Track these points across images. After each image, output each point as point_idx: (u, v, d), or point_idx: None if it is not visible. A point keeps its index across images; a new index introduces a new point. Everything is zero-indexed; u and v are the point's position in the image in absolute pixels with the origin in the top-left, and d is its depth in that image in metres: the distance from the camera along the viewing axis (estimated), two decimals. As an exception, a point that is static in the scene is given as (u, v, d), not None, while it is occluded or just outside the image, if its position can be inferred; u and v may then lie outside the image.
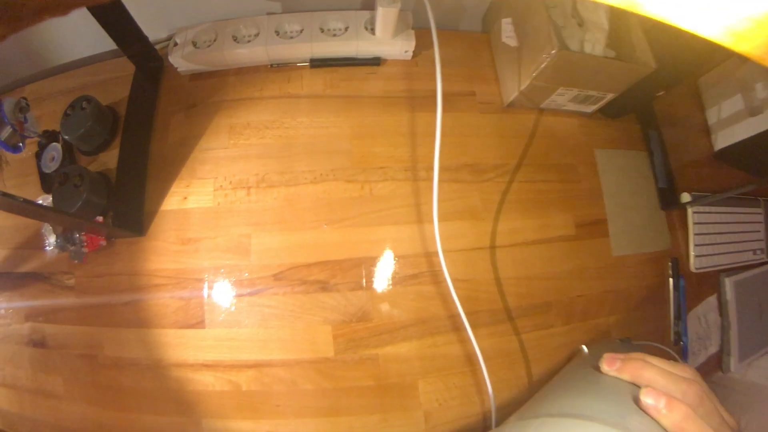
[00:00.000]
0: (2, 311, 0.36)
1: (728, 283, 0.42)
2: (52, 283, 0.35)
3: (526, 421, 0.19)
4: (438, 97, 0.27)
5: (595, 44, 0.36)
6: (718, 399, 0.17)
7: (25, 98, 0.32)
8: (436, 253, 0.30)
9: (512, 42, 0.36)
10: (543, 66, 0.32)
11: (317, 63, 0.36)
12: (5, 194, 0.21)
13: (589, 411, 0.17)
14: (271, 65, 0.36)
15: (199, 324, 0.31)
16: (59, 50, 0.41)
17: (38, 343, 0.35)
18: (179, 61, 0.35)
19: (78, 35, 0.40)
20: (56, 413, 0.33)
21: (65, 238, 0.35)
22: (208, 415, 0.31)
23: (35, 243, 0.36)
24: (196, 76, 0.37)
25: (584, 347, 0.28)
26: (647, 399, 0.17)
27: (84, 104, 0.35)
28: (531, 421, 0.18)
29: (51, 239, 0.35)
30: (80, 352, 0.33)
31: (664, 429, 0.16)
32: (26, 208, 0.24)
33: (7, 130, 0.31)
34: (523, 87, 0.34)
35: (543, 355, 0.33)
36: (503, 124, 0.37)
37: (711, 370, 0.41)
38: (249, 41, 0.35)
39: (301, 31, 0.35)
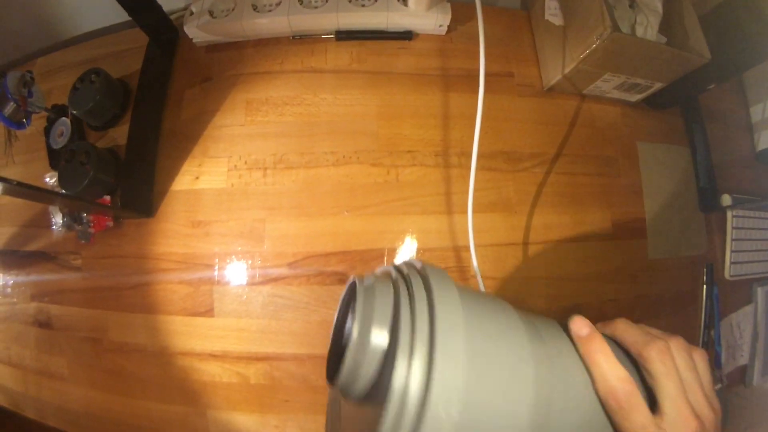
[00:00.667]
0: (8, 290, 0.35)
1: (761, 293, 0.40)
2: (59, 263, 0.34)
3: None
4: (481, 76, 0.24)
5: (647, 28, 0.33)
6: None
7: (30, 72, 0.30)
8: (466, 247, 0.28)
9: (557, 20, 0.33)
10: (592, 48, 0.29)
11: (343, 35, 0.33)
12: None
13: (531, 317, 0.16)
14: (293, 37, 0.34)
15: (208, 312, 0.30)
16: (71, 22, 0.39)
17: (44, 323, 0.34)
18: (195, 31, 0.33)
19: (90, 6, 0.38)
20: (60, 395, 0.33)
21: (72, 218, 0.33)
22: (214, 407, 0.30)
23: (42, 221, 0.35)
24: (213, 48, 0.35)
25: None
26: (572, 325, 0.16)
27: (93, 77, 0.33)
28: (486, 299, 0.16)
29: (57, 218, 0.34)
30: (85, 334, 0.32)
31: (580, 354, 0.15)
32: (22, 191, 0.22)
33: (11, 106, 0.30)
34: (567, 70, 0.31)
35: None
36: (542, 110, 0.34)
37: (735, 382, 0.38)
38: (270, 10, 0.32)
39: (327, 0, 0.32)
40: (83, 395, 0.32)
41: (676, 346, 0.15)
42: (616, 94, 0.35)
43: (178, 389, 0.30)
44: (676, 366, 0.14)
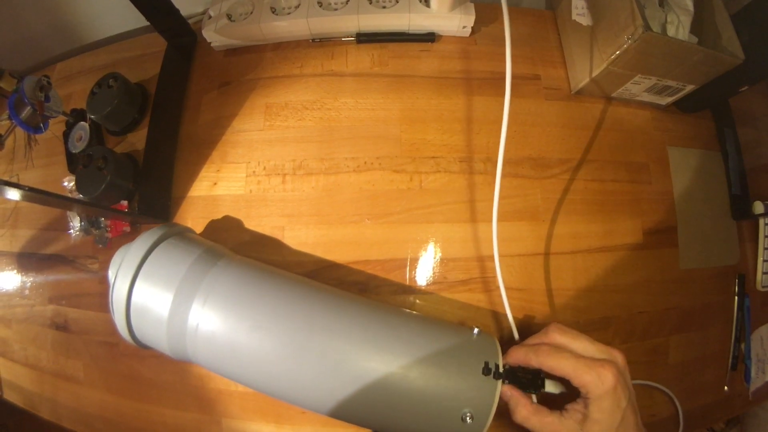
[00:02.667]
0: (26, 292, 0.36)
1: (797, 306, 0.38)
2: (76, 267, 0.34)
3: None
4: (507, 78, 0.23)
5: (678, 27, 0.31)
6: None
7: (47, 76, 0.30)
8: (491, 257, 0.27)
9: (584, 20, 0.32)
10: (623, 49, 0.27)
11: (364, 38, 0.32)
12: (7, 182, 0.19)
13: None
14: (313, 40, 0.33)
15: (225, 319, 0.29)
16: (90, 27, 0.40)
17: (60, 326, 0.34)
18: (213, 35, 0.33)
19: (109, 11, 0.38)
20: (76, 397, 0.33)
21: (89, 222, 0.33)
22: (229, 416, 0.29)
23: (60, 225, 0.35)
24: (231, 52, 0.34)
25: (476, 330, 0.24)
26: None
27: (111, 82, 0.33)
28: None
29: (75, 222, 0.34)
30: (101, 338, 0.32)
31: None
32: (35, 196, 0.22)
33: (28, 110, 0.30)
34: (596, 73, 0.30)
35: (594, 375, 0.30)
36: (570, 114, 0.33)
37: (763, 398, 0.36)
38: (289, 13, 0.32)
39: (347, 2, 0.32)
40: (98, 399, 0.32)
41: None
42: (647, 97, 0.34)
43: (193, 397, 0.30)
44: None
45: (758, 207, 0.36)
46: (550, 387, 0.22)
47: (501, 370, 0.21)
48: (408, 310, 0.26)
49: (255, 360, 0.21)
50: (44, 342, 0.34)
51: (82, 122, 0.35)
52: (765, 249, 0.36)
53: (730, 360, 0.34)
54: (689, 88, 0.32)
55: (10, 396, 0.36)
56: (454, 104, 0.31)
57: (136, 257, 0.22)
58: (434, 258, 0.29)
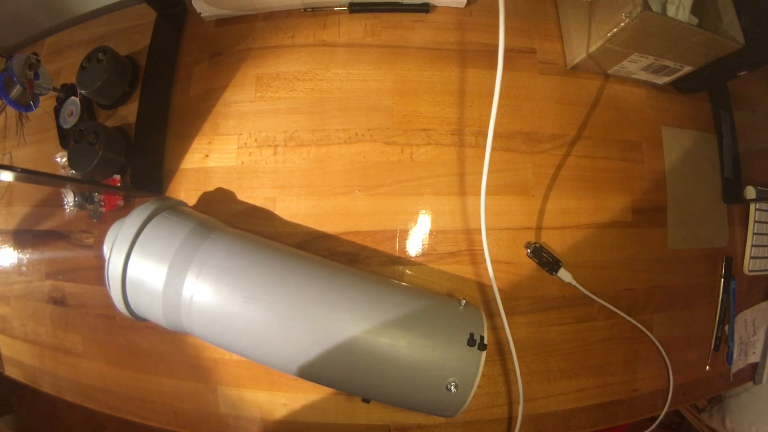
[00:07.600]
0: (24, 268, 0.36)
1: (781, 290, 0.38)
2: (72, 242, 0.34)
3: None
4: (500, 50, 0.22)
5: (679, 8, 0.30)
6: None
7: (35, 54, 0.30)
8: (479, 230, 0.27)
9: (583, -7, 0.31)
10: (621, 26, 0.27)
11: (357, 7, 0.32)
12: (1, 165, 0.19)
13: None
14: (305, 9, 0.33)
15: (219, 291, 0.30)
16: (78, 0, 0.39)
17: (58, 301, 0.34)
18: (203, 5, 0.32)
19: (97, -18, 0.37)
20: (76, 370, 0.34)
21: (83, 197, 0.33)
22: (224, 383, 0.30)
23: (54, 201, 0.35)
24: (222, 22, 0.34)
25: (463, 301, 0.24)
26: None
27: (100, 56, 0.32)
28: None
29: (69, 198, 0.34)
30: (99, 311, 0.33)
31: None
32: (28, 177, 0.22)
33: (17, 89, 0.29)
34: (592, 49, 0.30)
35: (580, 349, 0.31)
36: (564, 89, 0.32)
37: (744, 379, 0.38)
38: (280, -18, 0.31)
39: (340, -30, 0.31)
40: (97, 370, 0.33)
41: None
42: (643, 76, 0.33)
43: (189, 366, 0.30)
44: None
45: (750, 192, 0.36)
46: (562, 274, 0.26)
47: (485, 341, 0.22)
48: (396, 281, 0.26)
49: (248, 329, 0.21)
50: (43, 317, 0.35)
51: (72, 97, 0.34)
52: (755, 233, 0.37)
53: (713, 341, 0.35)
54: (687, 69, 0.32)
55: (11, 372, 0.37)
56: (447, 76, 0.31)
57: (129, 232, 0.22)
58: (424, 230, 0.29)
